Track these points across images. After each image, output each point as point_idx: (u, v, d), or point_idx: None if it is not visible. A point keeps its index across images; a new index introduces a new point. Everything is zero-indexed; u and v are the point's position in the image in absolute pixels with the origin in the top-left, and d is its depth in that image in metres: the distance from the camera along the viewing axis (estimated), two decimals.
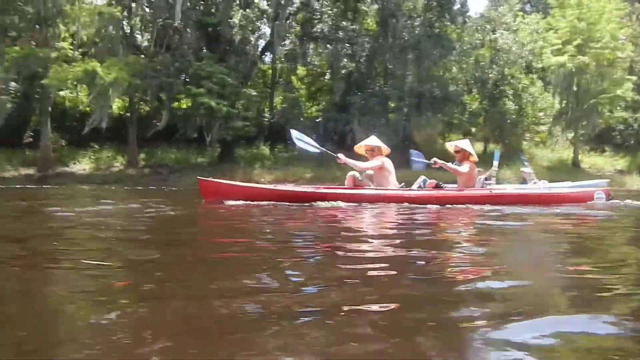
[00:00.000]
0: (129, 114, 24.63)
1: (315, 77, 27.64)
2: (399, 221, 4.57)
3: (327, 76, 26.74)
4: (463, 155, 7.64)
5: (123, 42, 22.55)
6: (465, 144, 7.82)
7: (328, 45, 24.89)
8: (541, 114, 27.14)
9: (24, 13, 21.82)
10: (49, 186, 17.01)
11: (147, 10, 23.29)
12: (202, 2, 23.76)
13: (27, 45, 20.85)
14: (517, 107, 25.19)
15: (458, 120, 25.02)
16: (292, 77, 26.34)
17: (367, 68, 25.60)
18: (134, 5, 23.16)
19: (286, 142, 25.31)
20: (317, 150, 7.50)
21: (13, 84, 21.42)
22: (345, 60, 24.58)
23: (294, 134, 7.46)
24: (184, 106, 24.72)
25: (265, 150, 25.86)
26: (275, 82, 25.85)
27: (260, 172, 22.73)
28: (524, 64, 25.77)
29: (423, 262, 2.28)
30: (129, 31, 23.88)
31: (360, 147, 7.54)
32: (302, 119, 24.96)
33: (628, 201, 7.87)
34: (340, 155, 6.96)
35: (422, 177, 7.50)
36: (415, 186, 7.38)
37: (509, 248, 3.02)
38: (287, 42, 24.47)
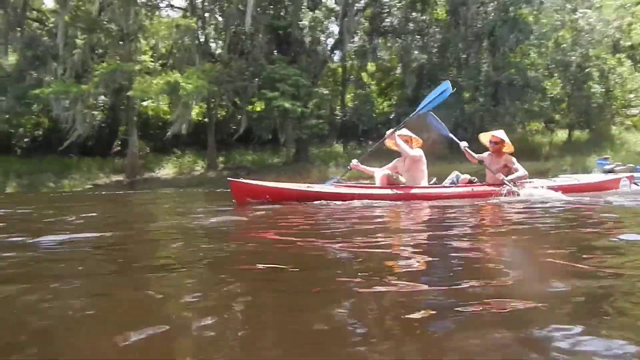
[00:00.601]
0: (207, 120, 25.62)
1: (385, 72, 27.36)
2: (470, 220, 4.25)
3: (398, 70, 26.38)
4: (499, 147, 6.87)
5: (199, 51, 23.43)
6: (501, 133, 7.05)
7: (398, 39, 24.51)
8: (632, 95, 25.22)
9: (109, 31, 23.26)
10: (138, 191, 18.05)
11: (220, 18, 24.07)
12: (271, 6, 24.19)
13: (113, 61, 22.23)
14: (604, 90, 23.54)
15: (538, 107, 23.80)
16: (362, 74, 26.21)
17: (439, 59, 24.96)
18: (207, 15, 24.03)
19: (359, 139, 25.38)
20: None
21: (102, 97, 22.90)
22: (417, 52, 24.11)
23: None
24: (258, 109, 25.40)
25: (339, 148, 26.00)
26: (346, 79, 25.84)
27: (335, 171, 22.91)
28: (610, 43, 24.01)
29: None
30: (203, 40, 24.76)
31: (391, 140, 6.99)
32: (374, 115, 24.87)
33: None
34: (391, 139, 6.71)
35: (455, 173, 7.03)
36: (447, 182, 6.94)
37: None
38: (356, 38, 24.36)
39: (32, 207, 7.70)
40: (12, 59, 25.43)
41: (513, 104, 22.53)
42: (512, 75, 22.31)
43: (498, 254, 2.47)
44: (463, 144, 6.96)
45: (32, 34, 23.86)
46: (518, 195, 6.11)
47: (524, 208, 4.92)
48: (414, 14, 24.52)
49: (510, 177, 6.45)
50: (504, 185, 6.35)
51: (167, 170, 24.84)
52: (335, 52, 26.48)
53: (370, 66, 26.71)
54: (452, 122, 24.13)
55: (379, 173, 6.60)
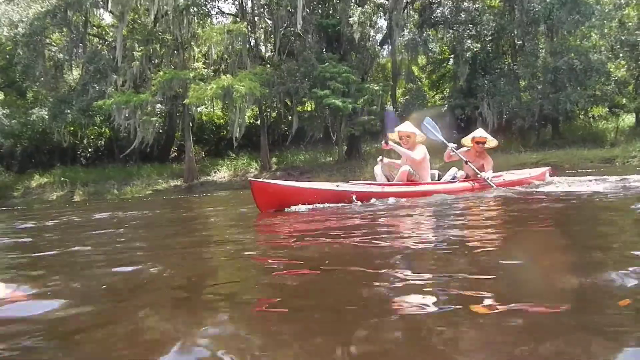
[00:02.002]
0: (259, 122, 26.01)
1: (436, 65, 26.84)
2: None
3: (450, 62, 25.83)
4: (483, 147, 7.05)
5: (250, 55, 23.83)
6: (483, 132, 7.18)
7: (449, 30, 23.99)
8: None
9: (164, 41, 24.08)
10: (197, 195, 18.50)
11: (269, 21, 24.39)
12: (320, 6, 24.29)
13: (168, 70, 22.97)
14: None
15: (601, 92, 22.59)
16: (413, 67, 25.81)
17: (493, 48, 24.22)
18: (257, 19, 24.43)
19: None
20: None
21: (159, 105, 23.70)
22: (469, 42, 23.48)
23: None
24: (309, 109, 25.53)
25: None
26: (396, 74, 25.52)
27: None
28: None
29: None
30: (254, 43, 25.16)
31: (393, 134, 6.75)
32: (426, 109, 24.42)
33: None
34: (389, 142, 6.31)
35: (454, 169, 6.96)
36: (448, 178, 6.82)
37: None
38: (405, 32, 24.01)
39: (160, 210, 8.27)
40: (75, 73, 26.84)
41: (574, 90, 21.47)
42: (572, 59, 21.27)
43: None
44: (452, 146, 6.95)
45: (93, 49, 25.06)
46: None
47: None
48: (465, 3, 23.91)
49: (486, 174, 6.80)
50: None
51: (222, 173, 25.36)
52: (384, 47, 26.26)
53: (421, 59, 26.27)
54: (508, 113, 23.41)
55: (403, 168, 6.25)
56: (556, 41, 22.29)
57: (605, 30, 22.44)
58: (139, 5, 23.54)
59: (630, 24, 22.12)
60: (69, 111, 23.28)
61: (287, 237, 3.35)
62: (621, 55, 22.85)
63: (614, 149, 21.50)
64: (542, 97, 22.27)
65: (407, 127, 6.60)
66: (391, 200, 5.64)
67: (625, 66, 23.08)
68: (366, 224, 3.75)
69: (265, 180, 5.83)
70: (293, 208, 5.21)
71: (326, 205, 5.38)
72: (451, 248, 2.39)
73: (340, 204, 5.42)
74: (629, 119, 25.00)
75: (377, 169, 6.47)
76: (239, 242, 3.14)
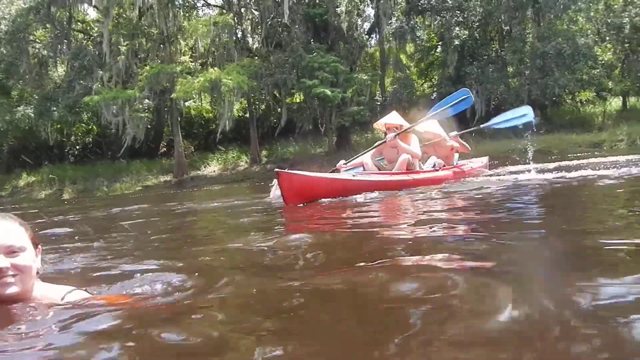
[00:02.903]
0: (248, 115, 25.86)
1: (424, 53, 26.76)
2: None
3: (438, 49, 25.76)
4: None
5: (237, 47, 23.62)
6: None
7: (437, 17, 23.92)
8: None
9: (149, 35, 23.81)
10: (189, 189, 18.40)
11: (256, 12, 24.19)
12: None
13: (155, 64, 22.74)
14: None
15: (588, 76, 22.66)
16: (401, 56, 25.72)
17: (480, 34, 24.18)
18: (243, 10, 24.20)
19: None
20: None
21: (146, 100, 23.46)
22: (457, 29, 23.42)
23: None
24: (298, 100, 25.39)
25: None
26: (384, 62, 25.43)
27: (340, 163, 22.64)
28: None
29: None
30: (240, 35, 24.96)
31: (379, 125, 6.54)
32: (414, 97, 24.39)
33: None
34: (390, 136, 6.07)
35: (433, 157, 6.93)
36: (428, 167, 6.78)
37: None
38: (392, 20, 23.90)
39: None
40: (60, 70, 26.48)
41: (562, 75, 21.52)
42: (560, 44, 21.30)
43: None
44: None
45: (78, 45, 24.73)
46: None
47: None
48: None
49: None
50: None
51: (212, 168, 25.21)
52: (372, 35, 26.14)
53: (409, 47, 26.18)
54: (497, 99, 23.43)
55: (402, 158, 6.08)
56: (543, 26, 22.31)
57: (592, 14, 22.48)
58: None
59: (616, 6, 22.17)
60: (55, 109, 23.00)
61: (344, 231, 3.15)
62: (607, 38, 22.93)
63: (601, 133, 21.63)
64: (530, 82, 22.30)
65: (395, 118, 6.39)
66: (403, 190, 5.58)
67: (612, 49, 23.17)
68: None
69: (292, 171, 5.23)
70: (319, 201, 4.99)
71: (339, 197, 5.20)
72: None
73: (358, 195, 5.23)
74: (616, 103, 25.15)
75: (367, 159, 6.27)
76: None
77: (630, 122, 21.87)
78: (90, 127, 28.19)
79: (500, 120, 6.89)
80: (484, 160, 8.75)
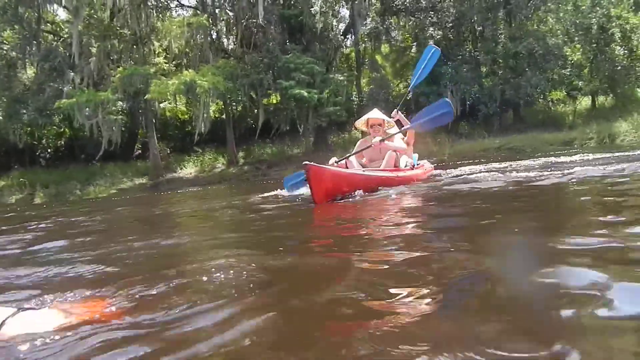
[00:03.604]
0: (224, 116, 25.68)
1: (399, 53, 26.99)
2: None
3: (413, 50, 26.00)
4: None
5: (212, 48, 23.45)
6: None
7: (411, 17, 24.16)
8: None
9: (122, 36, 23.43)
10: (165, 192, 18.15)
11: (231, 13, 24.04)
12: None
13: (128, 65, 22.39)
14: (627, 51, 22.81)
15: (559, 75, 23.21)
16: (377, 56, 25.91)
17: (454, 35, 24.52)
18: (217, 11, 24.02)
19: None
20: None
21: (120, 102, 23.08)
22: (431, 29, 23.71)
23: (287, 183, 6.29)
24: (274, 101, 25.34)
25: (357, 134, 25.80)
26: (360, 63, 25.57)
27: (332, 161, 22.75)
28: (631, 1, 23.22)
29: None
30: (215, 36, 24.77)
31: (361, 123, 6.25)
32: (390, 97, 24.58)
33: None
34: (375, 140, 5.82)
35: (405, 157, 6.51)
36: (404, 166, 6.50)
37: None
38: (367, 20, 24.06)
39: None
40: (30, 72, 25.83)
41: (534, 74, 21.99)
42: (531, 44, 21.76)
43: None
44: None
45: (47, 46, 24.16)
46: None
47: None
48: None
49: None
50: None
51: (188, 170, 24.96)
52: (347, 36, 26.26)
53: (384, 48, 26.38)
54: (471, 99, 23.79)
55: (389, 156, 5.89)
56: (514, 26, 22.75)
57: (561, 14, 22.99)
58: None
59: (583, 7, 22.72)
60: (24, 111, 22.42)
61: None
62: (576, 38, 23.48)
63: (572, 131, 22.15)
64: (503, 82, 22.72)
65: (377, 114, 6.22)
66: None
67: (581, 50, 23.74)
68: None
69: (323, 165, 4.72)
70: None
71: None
72: None
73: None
74: (585, 102, 25.77)
75: (353, 158, 6.04)
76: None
77: (599, 120, 22.47)
78: (62, 130, 27.61)
79: (425, 119, 6.42)
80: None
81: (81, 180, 23.60)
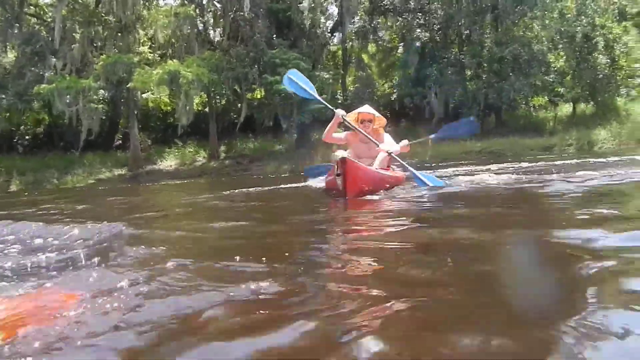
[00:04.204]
0: (207, 109, 25.44)
1: (386, 53, 27.03)
2: None
3: (399, 50, 26.06)
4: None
5: (198, 39, 23.19)
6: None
7: (399, 18, 24.20)
8: (637, 65, 24.79)
9: (107, 23, 23.05)
10: (146, 183, 17.93)
11: (218, 5, 23.82)
12: None
13: (112, 53, 22.03)
14: (609, 60, 23.17)
15: (542, 81, 23.49)
16: (363, 55, 25.92)
17: (441, 37, 24.62)
18: (205, 2, 23.77)
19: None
20: (313, 98, 6.01)
21: (101, 91, 22.70)
22: (419, 30, 23.77)
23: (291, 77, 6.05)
24: (259, 96, 25.17)
25: (340, 131, 25.74)
26: (347, 61, 25.55)
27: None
28: (615, 11, 23.60)
29: None
30: (202, 27, 24.52)
31: (352, 116, 5.83)
32: (375, 98, 24.61)
33: None
34: (383, 155, 5.50)
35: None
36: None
37: None
38: (356, 19, 24.05)
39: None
40: (11, 55, 25.27)
41: (518, 79, 22.22)
42: (517, 49, 21.98)
43: None
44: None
45: (30, 29, 23.65)
46: None
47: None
48: None
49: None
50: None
51: (169, 162, 24.67)
52: (335, 34, 26.21)
53: (371, 47, 26.42)
54: (455, 102, 23.94)
55: (381, 155, 5.55)
56: (501, 31, 22.95)
57: (547, 21, 23.25)
58: None
59: (569, 15, 23.02)
60: (3, 96, 21.90)
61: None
62: (560, 46, 23.78)
63: (552, 137, 22.47)
64: (487, 86, 22.91)
65: (368, 109, 5.88)
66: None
67: (564, 57, 24.05)
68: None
69: (356, 161, 4.72)
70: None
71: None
72: None
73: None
74: (566, 109, 26.12)
75: (342, 154, 5.31)
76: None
77: (579, 127, 22.84)
78: (41, 117, 27.06)
79: (449, 132, 6.59)
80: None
81: (59, 168, 23.14)
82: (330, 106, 6.08)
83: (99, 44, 23.64)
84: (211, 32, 25.55)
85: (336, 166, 4.73)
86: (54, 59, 21.96)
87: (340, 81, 25.16)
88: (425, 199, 4.50)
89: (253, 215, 3.50)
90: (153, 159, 24.94)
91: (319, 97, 6.16)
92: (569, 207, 2.75)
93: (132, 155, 23.76)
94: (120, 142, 27.64)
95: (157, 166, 24.27)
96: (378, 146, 5.62)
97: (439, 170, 8.87)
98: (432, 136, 6.31)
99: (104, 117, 24.68)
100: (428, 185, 5.39)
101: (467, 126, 6.63)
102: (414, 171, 5.60)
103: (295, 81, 6.10)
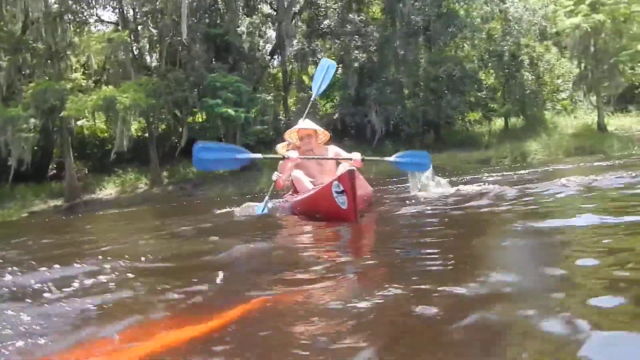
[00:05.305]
0: (147, 135, 24.81)
1: None
2: None
3: (339, 71, 26.56)
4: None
5: (133, 65, 22.69)
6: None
7: (336, 40, 24.72)
8: (559, 81, 26.56)
9: (35, 50, 22.13)
10: (81, 214, 17.16)
11: (154, 30, 23.43)
12: (207, 15, 23.78)
13: (42, 80, 21.15)
14: (534, 77, 24.67)
15: (476, 98, 24.64)
16: (304, 77, 26.23)
17: (378, 58, 25.31)
18: (140, 27, 23.33)
19: None
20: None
21: (32, 120, 21.68)
22: (357, 52, 24.34)
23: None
24: (200, 120, 24.83)
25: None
26: (287, 83, 25.76)
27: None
28: (537, 31, 25.20)
29: None
30: (137, 53, 24.01)
31: (292, 133, 5.46)
32: (317, 117, 24.88)
33: None
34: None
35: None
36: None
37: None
38: (294, 42, 24.35)
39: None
40: None
41: (454, 97, 23.18)
42: (450, 68, 22.97)
43: None
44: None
45: None
46: None
47: None
48: (350, 15, 24.80)
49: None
50: None
51: (108, 190, 23.78)
52: (274, 57, 26.40)
53: (311, 69, 26.77)
54: (395, 120, 24.63)
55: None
56: (434, 51, 23.92)
57: (476, 42, 24.51)
58: (4, 11, 21.42)
59: (496, 35, 24.37)
60: None
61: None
62: (490, 64, 25.10)
63: (488, 150, 23.53)
64: (425, 103, 23.73)
65: (310, 124, 5.36)
66: None
67: (494, 74, 25.37)
68: None
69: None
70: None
71: None
72: None
73: None
74: (499, 123, 27.45)
75: (301, 175, 5.05)
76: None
77: (512, 140, 24.04)
78: None
79: (404, 161, 5.97)
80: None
81: None
82: (277, 155, 5.30)
83: (28, 71, 22.64)
84: (147, 57, 25.06)
85: (336, 184, 3.68)
86: None
87: (282, 102, 25.29)
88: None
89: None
90: (91, 188, 23.95)
91: (251, 156, 4.76)
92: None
93: (68, 185, 22.74)
94: (55, 171, 26.37)
95: (96, 195, 23.34)
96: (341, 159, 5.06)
97: (389, 186, 8.92)
98: (390, 159, 5.62)
99: (36, 147, 23.54)
100: (416, 163, 5.31)
101: (423, 160, 5.87)
102: (392, 159, 5.11)
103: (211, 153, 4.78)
